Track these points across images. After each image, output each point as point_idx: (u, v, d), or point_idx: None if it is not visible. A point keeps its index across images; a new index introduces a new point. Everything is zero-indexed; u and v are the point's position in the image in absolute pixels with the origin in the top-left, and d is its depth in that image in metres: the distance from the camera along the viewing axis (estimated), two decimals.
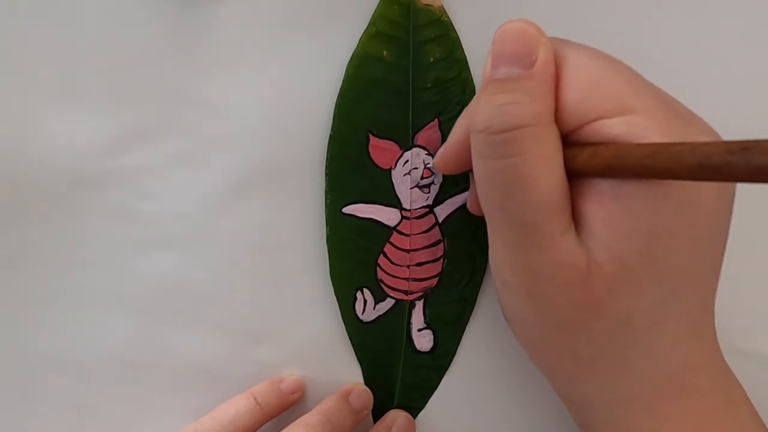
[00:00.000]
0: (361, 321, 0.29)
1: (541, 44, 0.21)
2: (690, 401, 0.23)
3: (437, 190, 0.28)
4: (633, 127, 0.20)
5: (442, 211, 0.28)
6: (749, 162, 0.16)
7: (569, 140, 0.21)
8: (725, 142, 0.17)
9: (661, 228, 0.20)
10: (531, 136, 0.20)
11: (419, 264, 0.28)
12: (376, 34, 0.27)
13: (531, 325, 0.23)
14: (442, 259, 0.28)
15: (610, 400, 0.23)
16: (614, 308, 0.21)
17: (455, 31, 0.27)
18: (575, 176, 0.21)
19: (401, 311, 0.29)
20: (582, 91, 0.21)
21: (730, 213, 0.22)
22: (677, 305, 0.22)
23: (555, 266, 0.21)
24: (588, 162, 0.21)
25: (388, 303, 0.29)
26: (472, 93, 0.27)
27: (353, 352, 0.29)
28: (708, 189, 0.21)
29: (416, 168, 0.28)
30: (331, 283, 0.28)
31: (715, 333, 0.23)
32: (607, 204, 0.21)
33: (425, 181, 0.28)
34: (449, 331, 0.29)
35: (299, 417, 0.27)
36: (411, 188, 0.28)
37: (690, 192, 0.20)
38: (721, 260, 0.23)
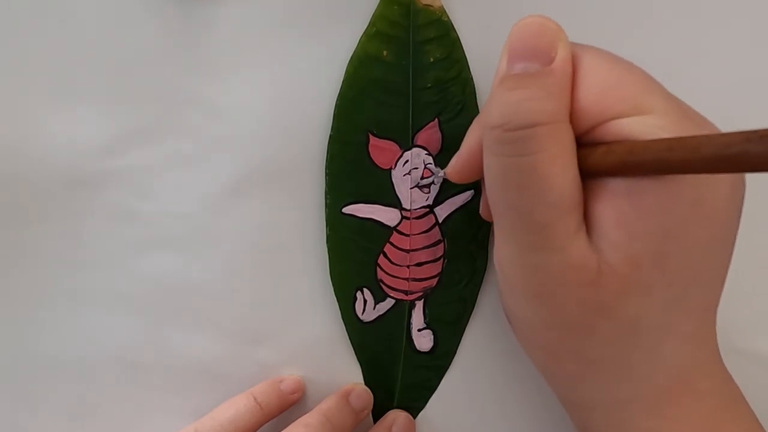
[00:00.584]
0: (361, 321, 0.29)
1: (560, 40, 0.21)
2: (692, 403, 0.23)
3: (437, 190, 0.28)
4: (648, 126, 0.20)
5: (442, 211, 0.28)
6: None
7: (583, 140, 0.21)
8: (743, 132, 0.17)
9: (673, 228, 0.20)
10: (548, 134, 0.20)
11: (419, 264, 0.28)
12: (376, 34, 0.27)
13: (536, 325, 0.23)
14: (442, 259, 0.28)
15: (611, 402, 0.23)
16: (623, 309, 0.21)
17: (455, 31, 0.27)
18: (587, 176, 0.21)
19: (401, 311, 0.29)
20: (597, 91, 0.21)
21: (740, 212, 0.22)
22: (685, 307, 0.22)
23: (566, 267, 0.21)
24: (601, 160, 0.20)
25: (388, 303, 0.29)
26: (472, 93, 0.27)
27: (353, 352, 0.29)
28: (720, 188, 0.21)
29: (416, 168, 0.28)
30: (331, 283, 0.28)
31: (716, 334, 0.23)
32: (619, 204, 0.21)
33: (425, 181, 0.28)
34: (449, 331, 0.29)
35: (299, 417, 0.27)
36: (411, 188, 0.28)
37: (703, 191, 0.20)
38: (729, 261, 0.23)
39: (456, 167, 0.25)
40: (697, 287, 0.22)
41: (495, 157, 0.21)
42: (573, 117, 0.21)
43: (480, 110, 0.24)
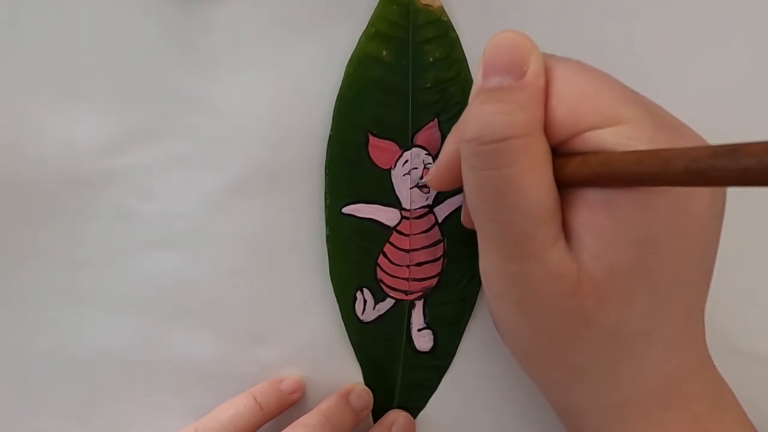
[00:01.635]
0: (360, 321, 0.29)
1: (532, 55, 0.21)
2: (681, 408, 0.23)
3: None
4: (621, 137, 0.20)
5: (442, 211, 0.28)
6: (736, 164, 0.16)
7: (559, 152, 0.21)
8: (711, 146, 0.17)
9: (650, 238, 0.20)
10: (521, 147, 0.20)
11: (419, 264, 0.28)
12: (375, 34, 0.27)
13: (521, 334, 0.23)
14: (441, 259, 0.28)
15: (600, 407, 0.23)
16: (604, 317, 0.21)
17: (455, 31, 0.27)
18: (565, 186, 0.21)
19: (401, 311, 0.29)
20: (570, 103, 0.21)
21: (721, 221, 0.22)
22: (667, 314, 0.22)
23: (545, 276, 0.21)
24: (577, 170, 0.21)
25: (387, 303, 0.29)
26: None
27: (353, 352, 0.29)
28: (698, 198, 0.21)
29: (416, 168, 0.28)
30: (331, 283, 0.28)
31: (704, 339, 0.24)
32: (596, 214, 0.21)
33: (425, 181, 0.28)
34: (449, 331, 0.29)
35: (299, 417, 0.27)
36: (411, 188, 0.28)
37: (679, 201, 0.20)
38: (712, 268, 0.23)
39: (435, 175, 0.25)
40: (679, 295, 0.22)
41: (471, 169, 0.21)
42: (548, 129, 0.21)
43: (460, 118, 0.24)
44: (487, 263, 0.23)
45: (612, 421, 0.23)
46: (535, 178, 0.21)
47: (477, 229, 0.23)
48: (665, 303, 0.22)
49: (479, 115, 0.21)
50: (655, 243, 0.21)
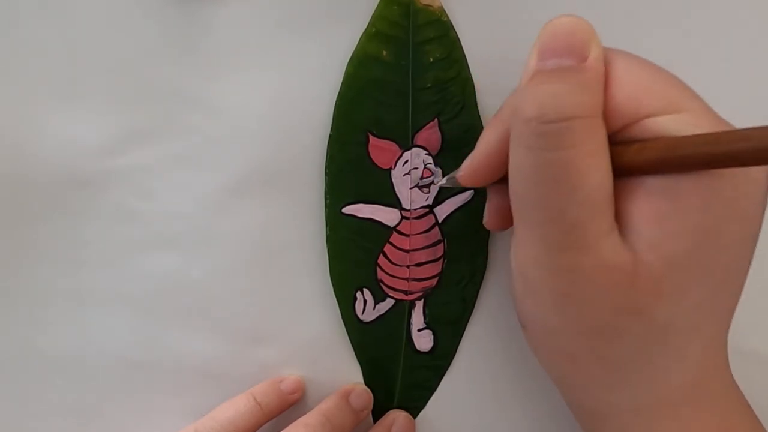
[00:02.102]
0: (361, 321, 0.29)
1: (593, 40, 0.21)
2: (707, 405, 0.22)
3: (437, 190, 0.28)
4: (683, 124, 0.20)
5: (442, 211, 0.28)
6: None
7: (615, 139, 0.21)
8: None
9: (711, 225, 0.20)
10: (584, 128, 0.20)
11: (419, 264, 0.28)
12: (375, 34, 0.27)
13: (557, 332, 0.22)
14: (442, 259, 0.28)
15: (630, 406, 0.23)
16: (656, 311, 0.21)
17: (455, 31, 0.27)
18: (620, 175, 0.21)
19: (401, 311, 0.29)
20: (631, 89, 0.21)
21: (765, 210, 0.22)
22: (713, 308, 0.21)
23: (598, 268, 0.20)
24: (635, 157, 0.20)
25: (388, 303, 0.29)
26: (472, 93, 0.27)
27: (353, 352, 0.29)
28: (757, 184, 0.20)
29: (416, 168, 0.28)
30: (331, 283, 0.28)
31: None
32: (655, 202, 0.20)
33: (425, 181, 0.28)
34: (449, 331, 0.29)
35: (299, 417, 0.27)
36: (411, 188, 0.28)
37: (741, 188, 0.20)
38: (751, 260, 0.22)
39: (470, 170, 0.24)
40: (726, 287, 0.21)
41: (528, 151, 0.20)
42: (606, 115, 0.20)
43: (499, 109, 0.23)
44: (527, 256, 0.22)
45: (639, 420, 0.22)
46: (596, 162, 0.20)
47: (517, 221, 0.22)
48: (712, 296, 0.21)
49: (540, 94, 0.20)
50: (714, 231, 0.20)
